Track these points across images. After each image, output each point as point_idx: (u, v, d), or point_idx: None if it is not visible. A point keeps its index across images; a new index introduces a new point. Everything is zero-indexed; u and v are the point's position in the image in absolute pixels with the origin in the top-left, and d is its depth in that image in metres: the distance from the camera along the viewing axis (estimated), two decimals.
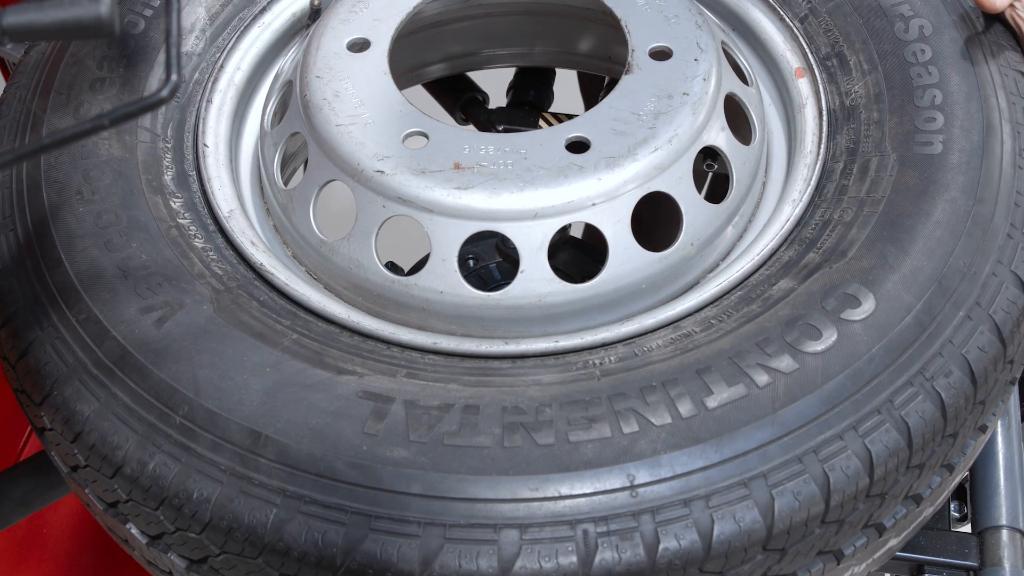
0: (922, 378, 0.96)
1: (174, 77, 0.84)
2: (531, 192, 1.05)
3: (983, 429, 1.04)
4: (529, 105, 1.64)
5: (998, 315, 1.01)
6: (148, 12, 1.26)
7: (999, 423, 1.25)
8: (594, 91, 1.85)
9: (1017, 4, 1.18)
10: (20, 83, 1.24)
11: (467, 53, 1.53)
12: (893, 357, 0.96)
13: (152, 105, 0.85)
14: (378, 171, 1.07)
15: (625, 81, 1.13)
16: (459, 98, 1.64)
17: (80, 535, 1.83)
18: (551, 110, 1.64)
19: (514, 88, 1.68)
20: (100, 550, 1.85)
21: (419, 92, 1.65)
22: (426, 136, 1.09)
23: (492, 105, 1.68)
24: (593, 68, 1.52)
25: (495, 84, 1.71)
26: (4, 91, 1.25)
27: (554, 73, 1.68)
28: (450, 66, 1.54)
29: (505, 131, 1.59)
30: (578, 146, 1.08)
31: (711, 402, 0.93)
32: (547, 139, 1.08)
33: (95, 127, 0.86)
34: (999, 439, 1.25)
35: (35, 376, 1.02)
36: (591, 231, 1.07)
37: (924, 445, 0.96)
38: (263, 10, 1.32)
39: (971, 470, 1.25)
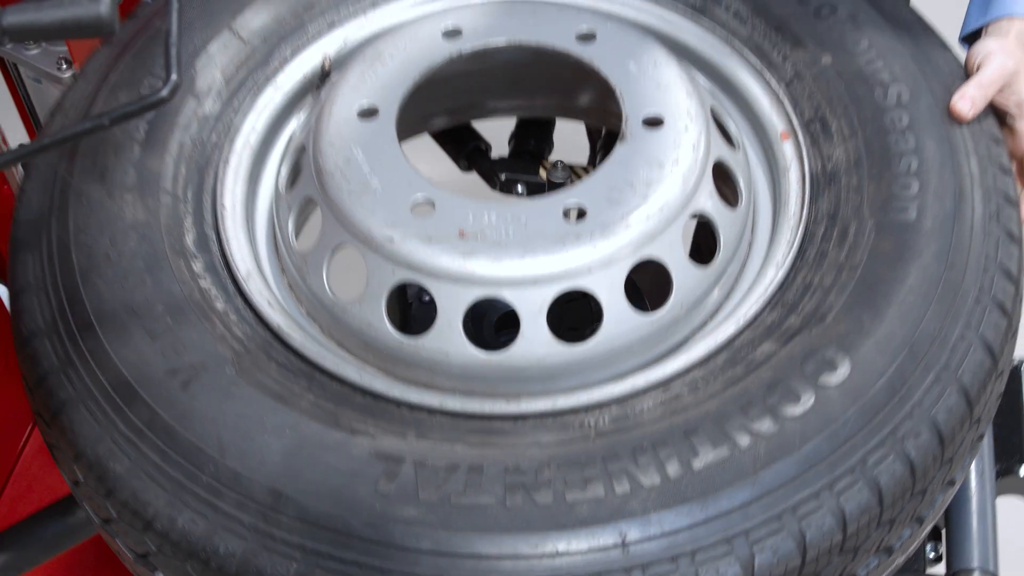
0: (893, 439, 1.03)
1: (174, 77, 0.85)
2: (531, 259, 1.12)
3: (951, 483, 1.12)
4: (530, 154, 1.72)
5: (966, 377, 1.08)
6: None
7: (973, 468, 1.33)
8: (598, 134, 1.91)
9: (999, 96, 1.26)
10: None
11: (470, 105, 1.60)
12: (866, 420, 1.03)
13: (152, 105, 0.86)
14: (388, 238, 1.14)
15: (619, 150, 1.20)
16: (463, 147, 1.71)
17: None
18: (559, 158, 1.70)
19: (515, 137, 1.75)
20: (100, 551, 1.89)
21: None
22: (432, 204, 1.16)
23: (494, 152, 1.75)
24: (591, 119, 1.59)
25: (496, 127, 1.78)
26: None
27: (554, 122, 1.75)
28: (453, 117, 1.61)
29: (507, 180, 1.66)
30: (575, 214, 1.15)
31: (697, 463, 1.01)
32: (546, 207, 1.16)
33: (95, 126, 0.88)
34: (972, 484, 1.33)
35: (68, 434, 1.09)
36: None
37: (894, 502, 1.03)
38: (276, 71, 1.39)
39: (946, 513, 1.33)
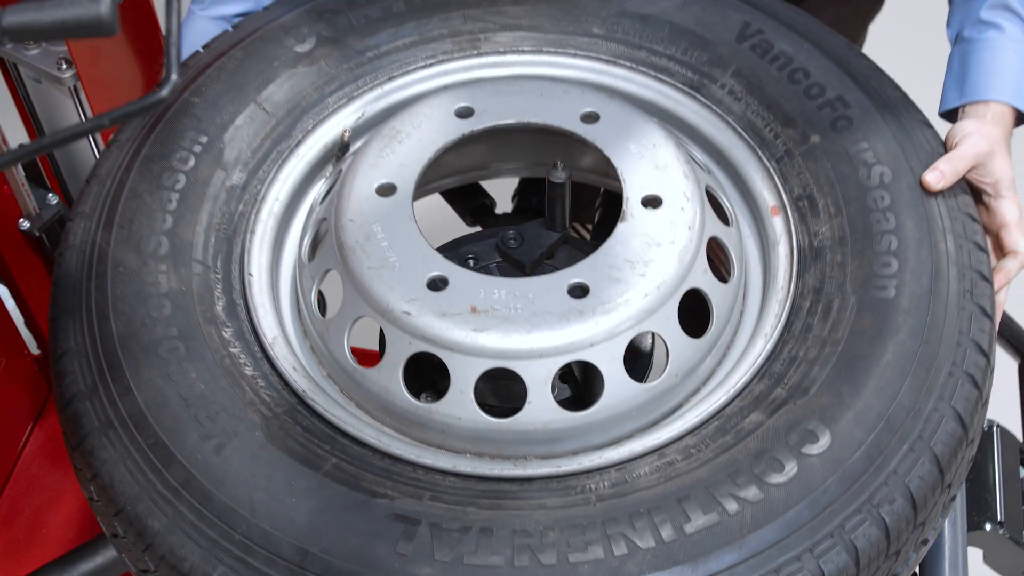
0: (869, 505, 1.12)
1: (174, 77, 0.86)
2: (538, 334, 1.21)
3: (924, 543, 1.21)
4: (532, 211, 1.81)
5: (938, 447, 1.17)
6: (197, 148, 1.43)
7: (947, 522, 1.42)
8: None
9: (974, 175, 1.35)
10: (84, 213, 1.39)
11: (477, 167, 1.70)
12: (845, 487, 1.13)
13: (152, 105, 0.86)
14: (405, 312, 1.23)
15: (620, 229, 1.29)
16: (469, 204, 1.80)
17: (80, 536, 1.86)
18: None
19: (519, 195, 1.84)
20: None
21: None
22: (447, 280, 1.25)
23: (498, 206, 1.84)
24: (591, 181, 1.68)
25: (500, 184, 1.87)
26: (70, 219, 1.41)
27: None
28: (461, 178, 1.71)
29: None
30: (578, 291, 1.24)
31: (689, 528, 1.10)
32: (552, 285, 1.25)
33: (95, 126, 0.90)
34: (946, 533, 1.42)
35: (109, 492, 1.18)
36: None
37: (870, 563, 1.12)
38: (299, 143, 1.48)
39: (921, 562, 1.42)
